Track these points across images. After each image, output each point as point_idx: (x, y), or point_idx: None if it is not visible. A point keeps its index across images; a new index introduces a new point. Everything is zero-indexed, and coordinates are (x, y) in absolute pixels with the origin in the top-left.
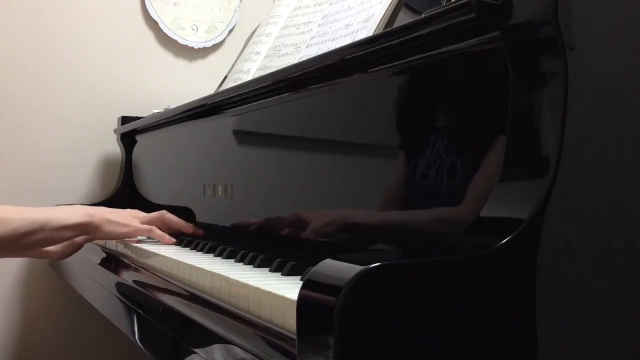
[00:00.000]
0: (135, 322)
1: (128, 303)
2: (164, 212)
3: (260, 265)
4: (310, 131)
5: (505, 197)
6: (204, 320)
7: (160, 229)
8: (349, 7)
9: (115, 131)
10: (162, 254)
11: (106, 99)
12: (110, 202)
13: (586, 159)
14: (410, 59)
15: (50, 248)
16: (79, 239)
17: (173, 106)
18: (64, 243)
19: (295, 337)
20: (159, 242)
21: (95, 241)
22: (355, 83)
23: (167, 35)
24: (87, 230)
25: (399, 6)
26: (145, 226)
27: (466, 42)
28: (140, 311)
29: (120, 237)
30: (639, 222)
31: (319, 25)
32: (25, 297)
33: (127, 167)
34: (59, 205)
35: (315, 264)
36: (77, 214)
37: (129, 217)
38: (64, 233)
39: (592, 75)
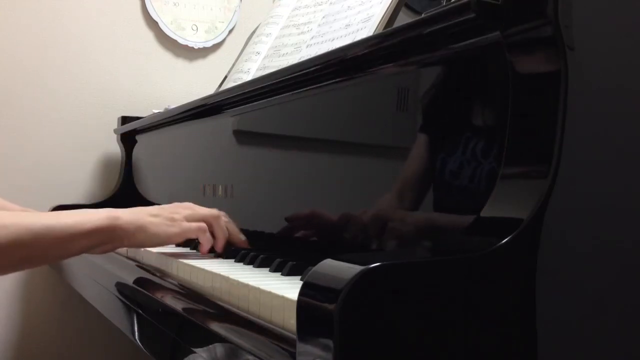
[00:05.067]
0: (135, 322)
1: (128, 303)
2: (219, 215)
3: (260, 265)
4: (311, 131)
5: (505, 197)
6: (204, 320)
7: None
8: (349, 7)
9: (115, 131)
10: (162, 253)
11: (106, 99)
12: (110, 202)
13: (586, 159)
14: (410, 59)
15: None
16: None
17: (173, 106)
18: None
19: (295, 337)
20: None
21: None
22: (355, 83)
23: (167, 35)
24: (112, 237)
25: (399, 6)
26: (194, 224)
27: (466, 42)
28: (140, 311)
29: (159, 244)
30: (639, 222)
31: (319, 25)
32: (25, 297)
33: (127, 167)
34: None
35: (315, 264)
36: (95, 217)
37: (170, 218)
38: (74, 243)
39: (592, 75)
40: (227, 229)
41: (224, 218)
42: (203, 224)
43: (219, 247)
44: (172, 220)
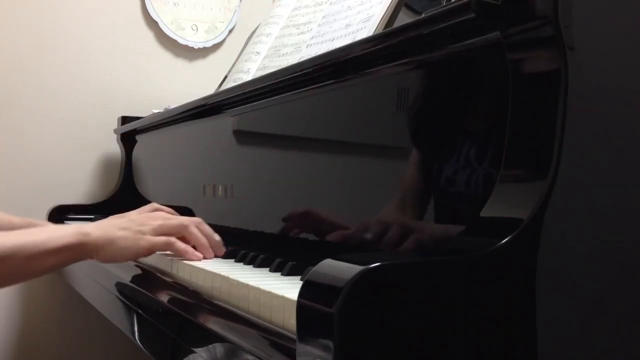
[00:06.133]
0: (135, 322)
1: (128, 303)
2: (188, 223)
3: (260, 265)
4: (310, 131)
5: (505, 197)
6: (204, 320)
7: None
8: (349, 7)
9: (115, 131)
10: (162, 253)
11: (106, 99)
12: (110, 202)
13: (586, 159)
14: (410, 59)
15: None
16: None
17: (173, 106)
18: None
19: (295, 336)
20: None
21: None
22: (355, 83)
23: (167, 35)
24: (82, 253)
25: (399, 6)
26: (161, 239)
27: (466, 42)
28: (140, 311)
29: (128, 259)
30: (638, 222)
31: (319, 25)
32: (25, 297)
33: (127, 167)
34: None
35: (316, 264)
36: (64, 234)
37: (138, 231)
38: (43, 261)
39: (592, 75)
40: (203, 232)
41: (193, 225)
42: (171, 238)
43: (207, 254)
44: (141, 233)
